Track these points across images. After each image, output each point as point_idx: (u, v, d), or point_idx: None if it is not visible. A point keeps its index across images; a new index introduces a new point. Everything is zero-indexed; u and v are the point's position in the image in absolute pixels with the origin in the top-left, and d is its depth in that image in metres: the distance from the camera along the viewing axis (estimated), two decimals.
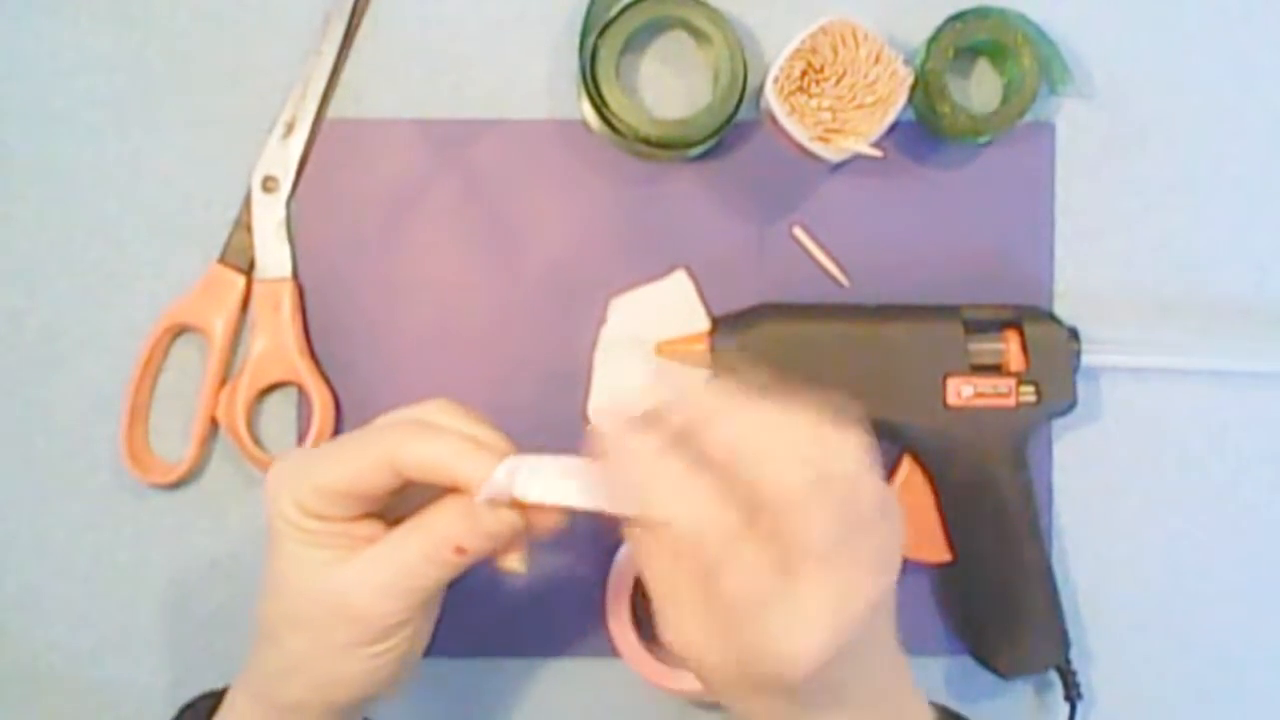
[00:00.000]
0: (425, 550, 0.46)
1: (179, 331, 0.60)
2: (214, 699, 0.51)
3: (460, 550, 0.46)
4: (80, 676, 0.59)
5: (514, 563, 0.48)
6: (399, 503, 0.47)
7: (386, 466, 0.45)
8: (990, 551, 0.57)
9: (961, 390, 0.56)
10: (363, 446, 0.46)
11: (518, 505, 0.46)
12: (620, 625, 0.58)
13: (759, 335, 0.57)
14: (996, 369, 0.57)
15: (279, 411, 0.60)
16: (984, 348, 0.57)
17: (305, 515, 0.46)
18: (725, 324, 0.58)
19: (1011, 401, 0.56)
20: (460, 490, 0.46)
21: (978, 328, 0.57)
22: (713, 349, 0.57)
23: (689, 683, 0.57)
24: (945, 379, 0.56)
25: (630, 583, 0.58)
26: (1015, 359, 0.57)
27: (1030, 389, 0.56)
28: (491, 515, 0.46)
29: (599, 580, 0.58)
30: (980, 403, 0.56)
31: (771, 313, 0.57)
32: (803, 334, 0.57)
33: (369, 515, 0.47)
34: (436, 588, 0.46)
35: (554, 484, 0.45)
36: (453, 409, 0.48)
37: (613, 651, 0.58)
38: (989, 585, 0.57)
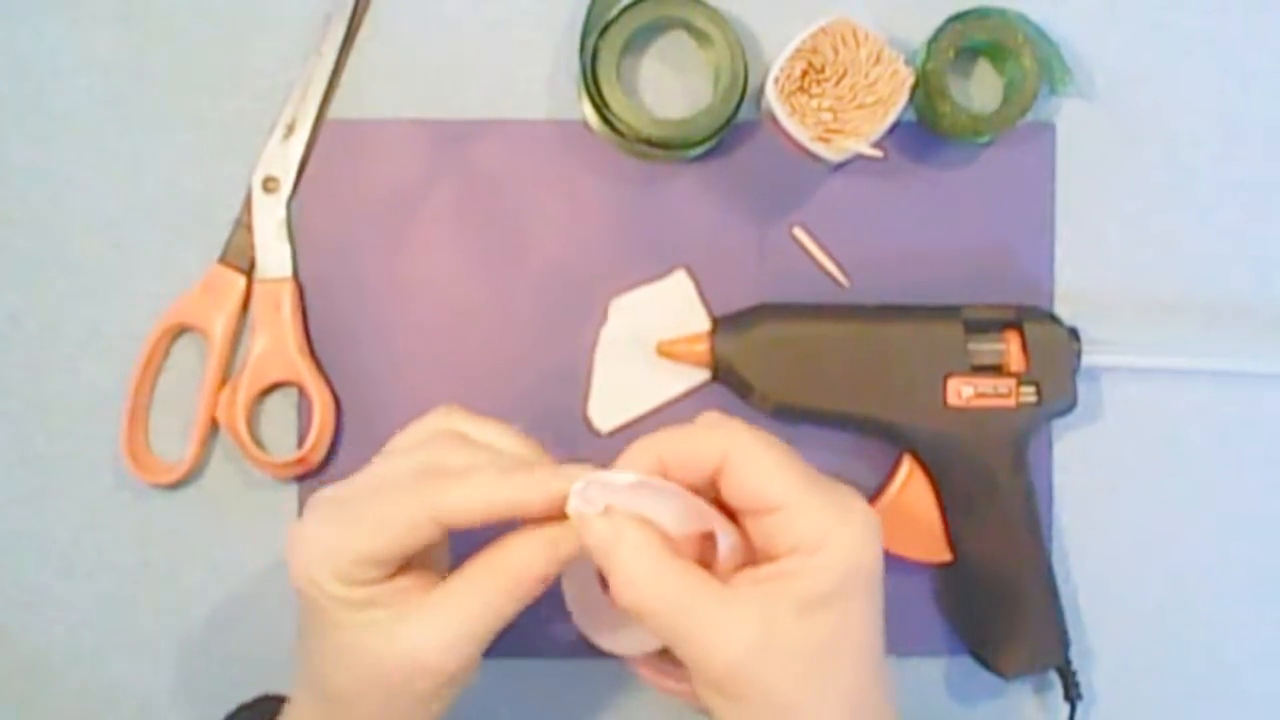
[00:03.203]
0: (505, 589, 0.45)
1: (179, 331, 0.60)
2: (274, 703, 0.50)
3: (545, 580, 0.45)
4: (80, 677, 0.59)
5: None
6: (439, 545, 0.47)
7: (426, 524, 0.44)
8: (990, 551, 0.57)
9: (962, 390, 0.56)
10: (397, 507, 0.44)
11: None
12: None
13: (759, 335, 0.57)
14: (997, 369, 0.57)
15: (279, 411, 0.60)
16: (984, 348, 0.57)
17: (348, 585, 0.44)
18: (725, 324, 0.58)
19: (1012, 402, 0.56)
20: (512, 515, 0.45)
21: (978, 328, 0.57)
22: (713, 349, 0.57)
23: (687, 683, 0.57)
24: (945, 379, 0.56)
25: None
26: (1015, 359, 0.57)
27: (1031, 389, 0.56)
28: (569, 539, 0.45)
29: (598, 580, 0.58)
30: (980, 403, 0.56)
31: (771, 313, 0.57)
32: (803, 334, 0.57)
33: (412, 568, 0.46)
34: (507, 621, 0.45)
35: (630, 503, 0.45)
36: (460, 417, 0.48)
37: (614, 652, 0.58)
38: (989, 585, 0.57)
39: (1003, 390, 0.56)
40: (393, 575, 0.45)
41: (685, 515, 0.45)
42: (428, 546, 0.45)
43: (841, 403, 0.56)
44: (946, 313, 0.57)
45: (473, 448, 0.47)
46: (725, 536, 0.46)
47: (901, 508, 0.57)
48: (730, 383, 0.58)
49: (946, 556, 0.58)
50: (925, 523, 0.58)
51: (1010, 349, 0.57)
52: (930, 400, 0.56)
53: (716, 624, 0.43)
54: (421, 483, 0.45)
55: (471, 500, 0.44)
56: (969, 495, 0.57)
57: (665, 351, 0.58)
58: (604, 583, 0.47)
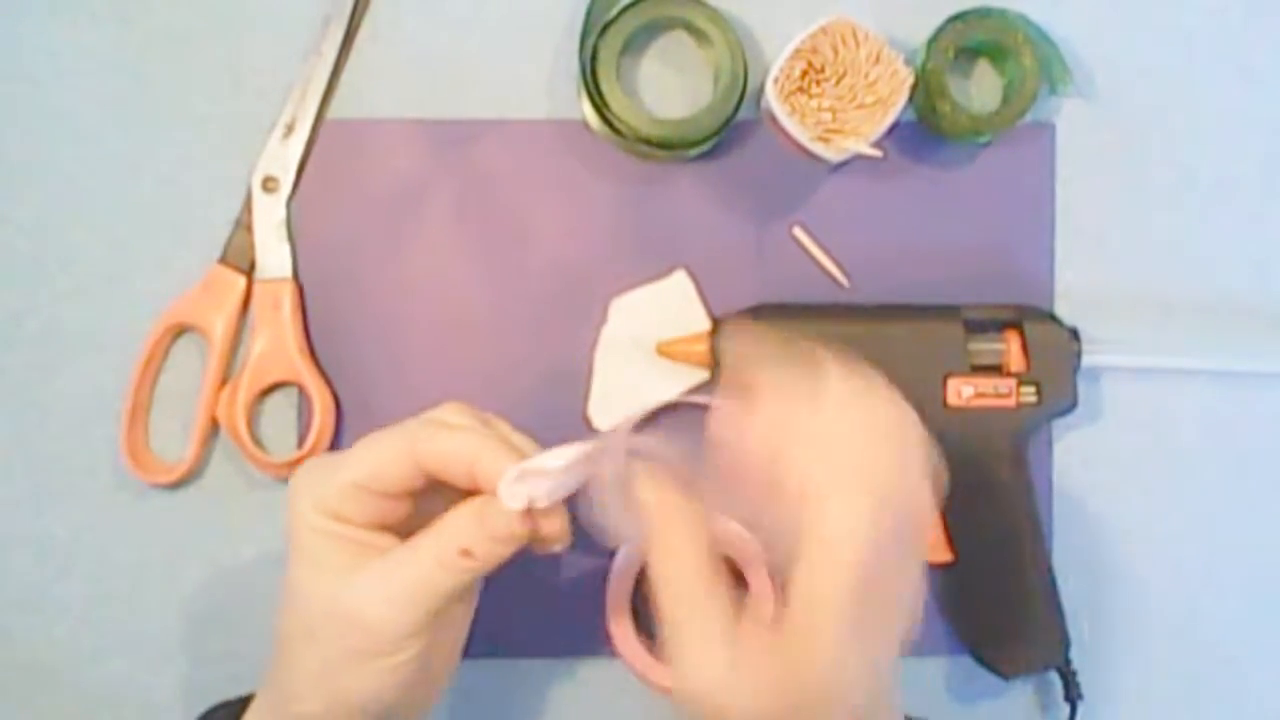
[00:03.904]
0: (435, 554, 0.45)
1: (179, 331, 0.60)
2: (231, 709, 0.50)
3: (466, 553, 0.45)
4: (81, 677, 0.59)
5: (556, 548, 0.48)
6: (418, 518, 0.47)
7: (407, 458, 0.46)
8: (990, 551, 0.57)
9: (962, 390, 0.56)
10: (383, 441, 0.46)
11: (532, 511, 0.46)
12: (620, 625, 0.58)
13: None
14: (997, 369, 0.57)
15: (279, 411, 0.60)
16: (984, 348, 0.57)
17: (326, 517, 0.46)
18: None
19: (1012, 402, 0.56)
20: (477, 493, 0.46)
21: (978, 328, 0.57)
22: (712, 349, 0.57)
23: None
24: (945, 379, 0.56)
25: (630, 583, 0.58)
26: (1016, 359, 0.57)
27: (1031, 389, 0.56)
28: (497, 517, 0.45)
29: (599, 580, 0.58)
30: (980, 403, 0.56)
31: (771, 313, 0.57)
32: (803, 334, 0.57)
33: (387, 529, 0.47)
34: (447, 596, 0.46)
35: (563, 481, 0.46)
36: (468, 412, 0.48)
37: (613, 651, 0.58)
38: (989, 585, 0.57)
39: (1003, 390, 0.56)
40: (373, 529, 0.46)
41: (610, 455, 0.46)
42: (417, 517, 0.47)
43: None
44: (946, 313, 0.57)
45: (479, 419, 0.48)
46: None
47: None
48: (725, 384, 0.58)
49: (947, 556, 0.57)
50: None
51: (1010, 349, 0.57)
52: (930, 400, 0.56)
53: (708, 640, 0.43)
54: (410, 425, 0.47)
55: (449, 448, 0.45)
56: (969, 495, 0.57)
57: (665, 352, 0.58)
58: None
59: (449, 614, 0.48)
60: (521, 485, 0.45)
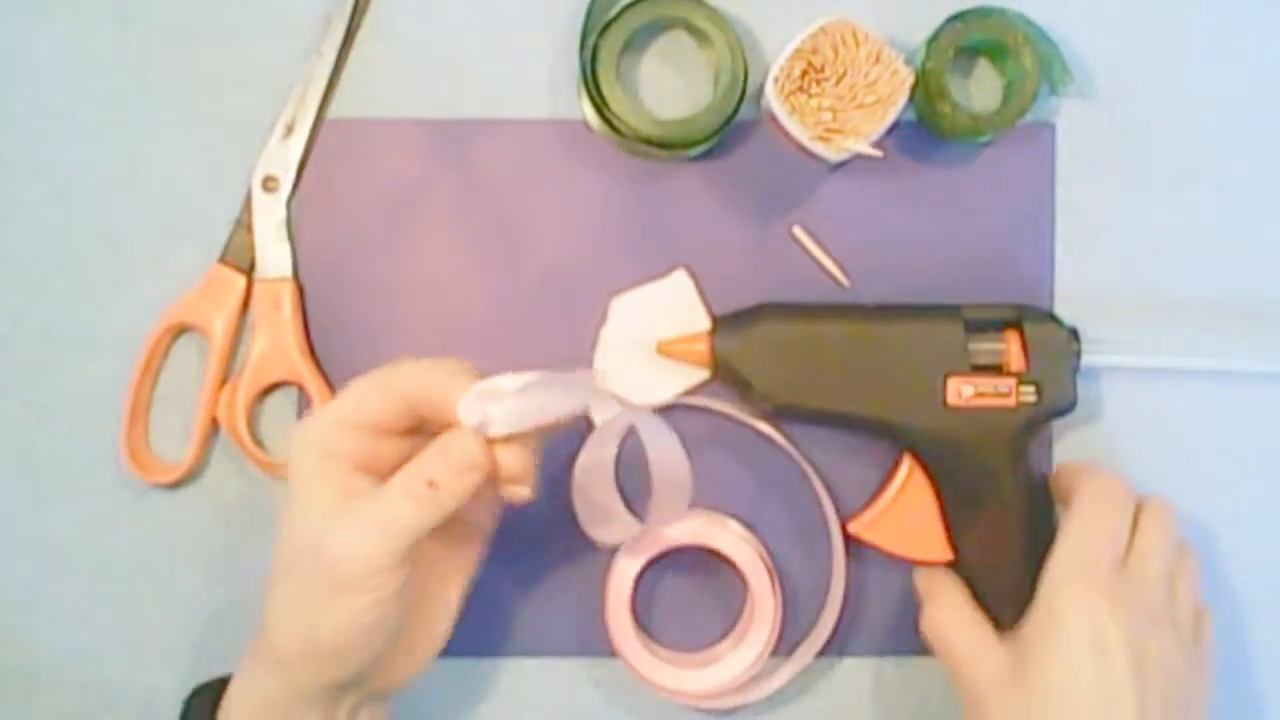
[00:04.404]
0: (403, 488, 0.47)
1: (179, 331, 0.60)
2: (220, 684, 0.51)
3: (431, 484, 0.47)
4: (81, 677, 0.59)
5: (521, 491, 0.49)
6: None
7: (385, 391, 0.48)
8: (991, 551, 0.57)
9: (962, 390, 0.56)
10: (367, 378, 0.49)
11: (495, 441, 0.48)
12: (620, 625, 0.58)
13: (759, 335, 0.57)
14: (997, 369, 0.57)
15: (279, 411, 0.60)
16: (984, 347, 0.57)
17: (318, 457, 0.48)
18: (725, 323, 0.58)
19: (1012, 402, 0.56)
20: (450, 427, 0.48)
21: (978, 328, 0.57)
22: (713, 348, 0.57)
23: (687, 683, 0.58)
24: (945, 379, 0.56)
25: (631, 582, 0.58)
26: (1015, 359, 0.56)
27: (1031, 389, 0.56)
28: (459, 445, 0.47)
29: (599, 580, 0.58)
30: (980, 403, 0.56)
31: (772, 312, 0.57)
32: (803, 333, 0.57)
33: (378, 475, 0.48)
34: (413, 531, 0.47)
35: (520, 409, 0.48)
36: (464, 365, 0.50)
37: (613, 651, 0.58)
38: (989, 585, 0.57)
39: (1003, 390, 0.56)
40: (362, 469, 0.48)
41: (576, 399, 0.49)
42: (404, 455, 0.48)
43: (842, 402, 0.56)
44: (946, 312, 0.57)
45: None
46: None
47: (901, 507, 0.57)
48: (730, 382, 0.58)
49: (947, 556, 0.58)
50: (925, 522, 0.57)
51: (1010, 349, 0.57)
52: (930, 400, 0.56)
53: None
54: (396, 362, 0.49)
55: (418, 375, 0.48)
56: (969, 495, 0.57)
57: (665, 351, 0.58)
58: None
59: (425, 570, 0.50)
60: (477, 403, 0.47)
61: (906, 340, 0.56)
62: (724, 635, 0.60)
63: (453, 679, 0.60)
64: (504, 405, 0.47)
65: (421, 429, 0.50)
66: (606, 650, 0.58)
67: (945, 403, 0.56)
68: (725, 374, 0.57)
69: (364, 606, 0.46)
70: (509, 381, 0.47)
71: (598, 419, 0.51)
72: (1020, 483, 0.57)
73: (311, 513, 0.47)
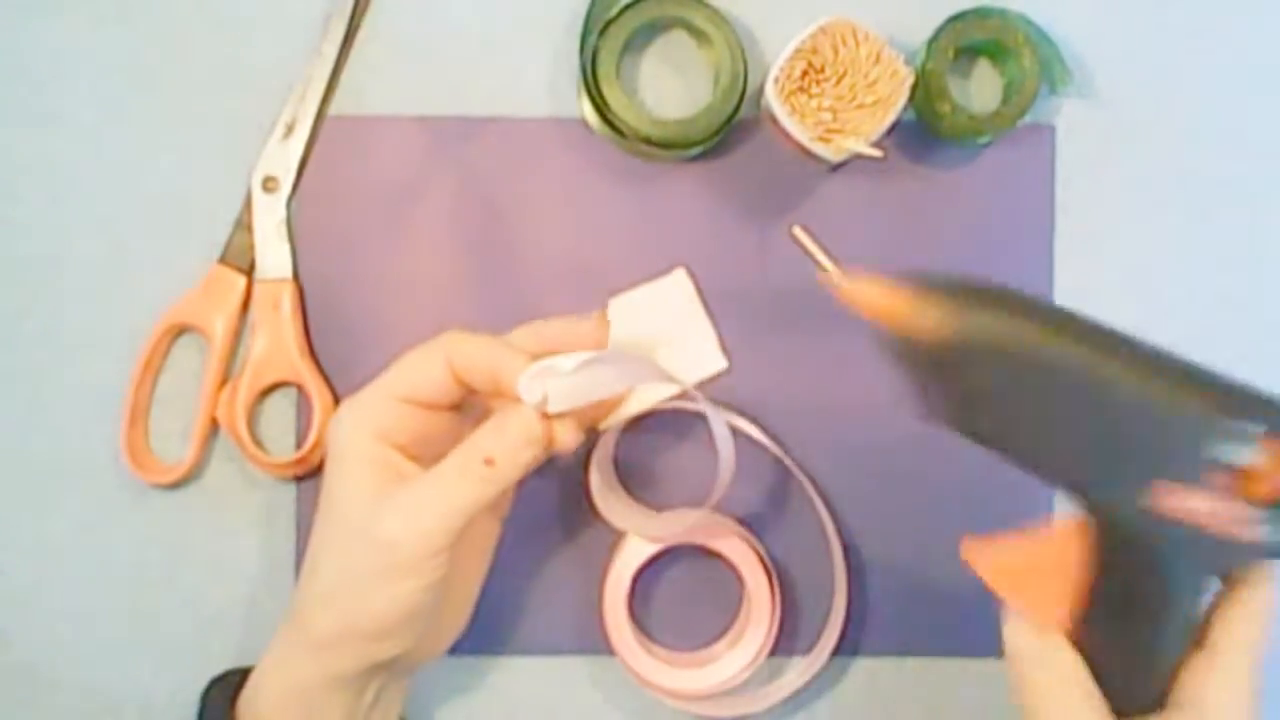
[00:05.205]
0: (459, 467, 0.47)
1: (179, 331, 0.60)
2: (238, 675, 0.51)
3: (489, 461, 0.47)
4: (81, 677, 0.59)
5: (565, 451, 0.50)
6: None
7: (439, 365, 0.48)
8: (1124, 664, 0.45)
9: (1179, 499, 0.42)
10: (418, 352, 0.49)
11: (548, 416, 0.48)
12: (620, 625, 0.58)
13: (1003, 328, 0.43)
14: (1231, 478, 0.42)
15: (279, 411, 0.60)
16: (1226, 446, 0.41)
17: (372, 439, 0.48)
18: (959, 295, 0.44)
19: (1244, 532, 0.42)
20: (504, 399, 0.48)
21: (1232, 410, 0.42)
22: (953, 319, 0.43)
23: (686, 682, 0.58)
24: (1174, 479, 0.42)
25: (629, 582, 0.58)
26: (1268, 479, 0.41)
27: (1270, 527, 0.42)
28: (517, 421, 0.47)
29: (597, 579, 0.58)
30: (1196, 520, 0.42)
31: (1019, 306, 0.44)
32: (1045, 356, 0.42)
33: (429, 455, 0.48)
34: (470, 510, 0.47)
35: (576, 384, 0.48)
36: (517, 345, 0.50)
37: (612, 651, 0.58)
38: (1105, 666, 0.45)
39: (1238, 516, 0.42)
40: (414, 451, 0.48)
41: (631, 374, 0.50)
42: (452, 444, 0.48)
43: (1041, 451, 0.43)
44: (1210, 385, 0.42)
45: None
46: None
47: (1041, 553, 0.45)
48: (922, 365, 0.44)
49: (1058, 630, 0.46)
50: (1056, 584, 0.45)
51: (1267, 460, 0.41)
52: (1142, 492, 0.42)
53: None
54: (446, 335, 0.49)
55: (475, 349, 0.48)
56: (1128, 608, 0.44)
57: (849, 296, 0.45)
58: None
59: (473, 545, 0.50)
60: (538, 381, 0.47)
61: (1154, 407, 0.42)
62: (721, 635, 0.60)
63: (450, 677, 0.60)
64: (563, 383, 0.48)
65: (461, 406, 0.50)
66: (604, 649, 0.58)
67: (1152, 505, 0.42)
68: (930, 353, 0.43)
69: (414, 589, 0.46)
70: (567, 361, 0.48)
71: (648, 398, 0.53)
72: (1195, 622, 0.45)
73: (360, 494, 0.47)
